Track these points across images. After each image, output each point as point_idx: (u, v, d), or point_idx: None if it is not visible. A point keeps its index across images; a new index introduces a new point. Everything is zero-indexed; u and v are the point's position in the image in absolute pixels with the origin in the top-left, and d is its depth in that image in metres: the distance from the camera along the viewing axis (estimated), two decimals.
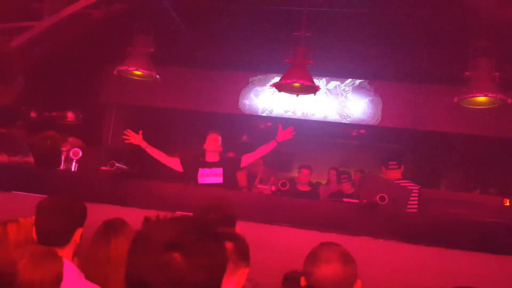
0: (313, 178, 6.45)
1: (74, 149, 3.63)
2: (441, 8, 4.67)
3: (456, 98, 4.56)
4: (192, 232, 0.91)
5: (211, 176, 4.11)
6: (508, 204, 3.38)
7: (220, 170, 4.10)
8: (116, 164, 3.20)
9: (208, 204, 2.28)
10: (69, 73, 5.45)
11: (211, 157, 4.19)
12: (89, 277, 1.85)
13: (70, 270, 1.80)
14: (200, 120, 7.68)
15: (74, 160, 3.62)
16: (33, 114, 5.41)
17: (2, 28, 4.69)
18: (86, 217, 2.05)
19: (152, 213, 0.99)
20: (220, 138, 4.26)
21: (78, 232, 1.97)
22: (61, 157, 3.79)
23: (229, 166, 4.17)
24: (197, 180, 4.10)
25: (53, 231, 1.90)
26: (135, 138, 4.20)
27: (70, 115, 4.48)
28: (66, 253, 1.90)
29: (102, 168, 3.34)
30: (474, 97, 4.42)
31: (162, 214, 0.94)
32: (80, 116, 4.45)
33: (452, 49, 5.20)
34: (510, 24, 4.26)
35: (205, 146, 4.21)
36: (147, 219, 0.91)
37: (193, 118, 8.02)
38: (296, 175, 6.24)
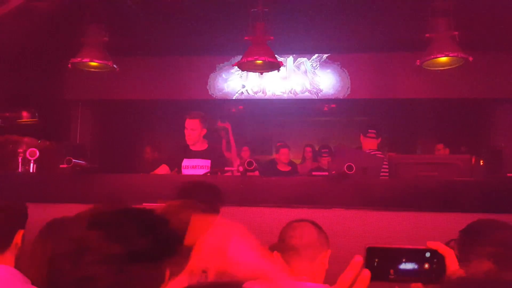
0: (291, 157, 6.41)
1: (30, 149, 3.44)
2: None
3: (418, 61, 4.53)
4: (118, 216, 0.88)
5: (197, 169, 3.66)
6: (474, 161, 3.38)
7: (207, 162, 3.65)
8: (74, 160, 3.05)
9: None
10: (24, 72, 5.20)
11: (196, 145, 3.75)
12: (32, 281, 1.72)
13: (14, 277, 1.67)
14: (170, 108, 7.53)
15: (32, 161, 3.44)
16: None
17: None
18: (27, 217, 1.91)
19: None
20: (199, 121, 3.74)
21: (19, 234, 1.83)
22: (18, 159, 3.59)
23: (217, 158, 3.73)
24: (181, 172, 3.69)
25: None
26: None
27: (25, 115, 4.26)
28: (7, 258, 1.77)
29: (61, 166, 3.19)
30: (435, 58, 4.39)
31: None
32: (36, 114, 4.23)
33: (413, 13, 5.16)
34: None
35: (186, 136, 3.75)
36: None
37: (162, 107, 7.88)
38: (275, 155, 6.17)
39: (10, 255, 1.79)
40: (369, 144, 4.12)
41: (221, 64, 7.27)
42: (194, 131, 3.73)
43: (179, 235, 0.95)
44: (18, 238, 1.82)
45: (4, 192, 3.10)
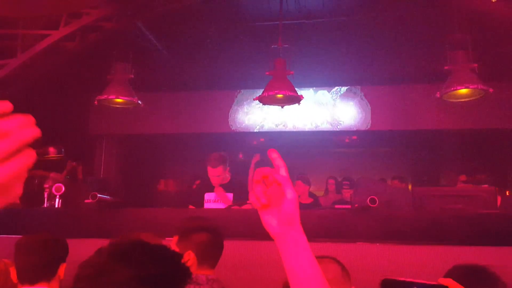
0: (312, 190, 6.35)
1: (56, 184, 3.54)
2: (416, 7, 4.70)
3: (438, 93, 4.52)
4: (133, 246, 0.99)
5: (219, 203, 3.71)
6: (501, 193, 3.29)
7: (229, 196, 3.70)
8: (99, 195, 3.11)
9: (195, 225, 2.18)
10: (51, 108, 5.41)
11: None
12: None
13: None
14: (192, 142, 7.66)
15: (57, 196, 3.53)
16: None
17: None
18: (68, 252, 2.01)
19: None
20: (222, 168, 3.77)
21: (62, 267, 1.93)
22: (44, 195, 3.69)
23: (240, 190, 3.74)
24: (203, 206, 3.74)
25: (37, 265, 1.87)
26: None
27: (51, 150, 4.40)
28: (52, 287, 1.88)
29: (86, 201, 3.26)
30: (455, 90, 4.38)
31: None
32: (62, 150, 4.37)
33: (432, 46, 5.20)
34: (483, 14, 4.26)
35: (211, 180, 3.81)
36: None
37: (185, 141, 8.01)
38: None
39: (55, 285, 1.90)
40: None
41: (242, 98, 7.40)
42: (218, 177, 3.80)
43: (189, 270, 1.03)
44: (61, 271, 1.93)
45: (31, 227, 3.16)
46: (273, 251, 2.89)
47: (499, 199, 3.67)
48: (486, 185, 4.04)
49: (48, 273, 1.88)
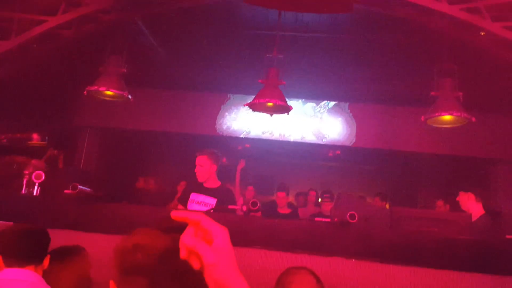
0: (292, 200, 6.39)
1: (36, 171, 3.46)
2: (409, 33, 4.83)
3: (423, 117, 4.65)
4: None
5: (201, 205, 3.69)
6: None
7: (213, 201, 3.66)
8: (79, 186, 3.07)
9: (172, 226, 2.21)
10: (39, 95, 5.34)
11: (208, 182, 3.79)
12: None
13: (42, 283, 1.84)
14: (178, 142, 7.62)
15: (37, 184, 3.45)
16: (4, 140, 5.24)
17: None
18: (49, 245, 2.03)
19: (118, 239, 1.01)
20: (207, 157, 3.78)
21: (47, 258, 1.96)
22: (23, 181, 3.60)
23: (225, 199, 3.65)
24: (186, 206, 3.71)
25: (25, 251, 1.90)
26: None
27: (35, 137, 4.31)
28: (39, 271, 1.90)
29: (65, 191, 3.20)
30: (439, 116, 4.51)
31: None
32: (46, 137, 4.28)
33: (420, 72, 5.34)
34: (470, 46, 4.41)
35: (196, 173, 3.80)
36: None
37: (170, 140, 7.97)
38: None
39: (40, 272, 1.93)
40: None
41: (231, 102, 7.42)
42: (202, 167, 3.79)
43: None
44: (46, 261, 1.95)
45: (6, 213, 3.10)
46: (256, 257, 2.91)
47: (480, 206, 3.75)
48: (470, 193, 4.09)
49: (36, 260, 1.92)
